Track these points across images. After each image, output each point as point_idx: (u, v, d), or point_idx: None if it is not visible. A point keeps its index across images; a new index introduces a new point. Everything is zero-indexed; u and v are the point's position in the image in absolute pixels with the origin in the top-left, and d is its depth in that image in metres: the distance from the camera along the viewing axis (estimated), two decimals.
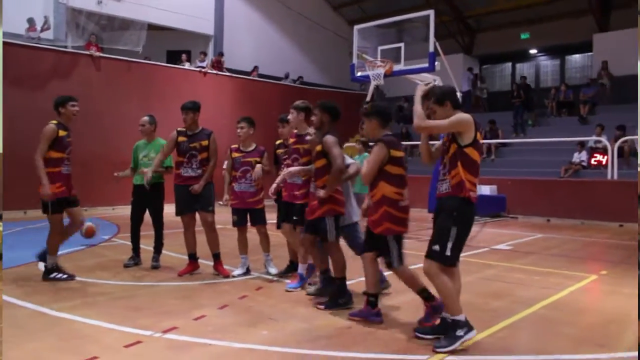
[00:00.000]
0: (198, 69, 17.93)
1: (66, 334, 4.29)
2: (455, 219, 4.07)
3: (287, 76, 20.77)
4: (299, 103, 6.00)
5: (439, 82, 12.34)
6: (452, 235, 4.05)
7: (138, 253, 7.24)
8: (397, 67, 11.25)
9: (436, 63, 10.86)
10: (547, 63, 22.14)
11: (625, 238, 10.79)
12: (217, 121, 13.46)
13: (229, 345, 4.03)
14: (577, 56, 21.00)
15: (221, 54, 19.07)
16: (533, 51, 21.98)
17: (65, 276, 6.16)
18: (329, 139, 5.14)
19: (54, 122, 6.09)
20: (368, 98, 12.41)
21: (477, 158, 4.10)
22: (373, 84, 11.44)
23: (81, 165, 14.43)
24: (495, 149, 17.87)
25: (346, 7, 24.13)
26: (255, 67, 20.58)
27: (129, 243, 7.30)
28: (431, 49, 10.81)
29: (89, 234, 9.00)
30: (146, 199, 7.01)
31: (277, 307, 5.17)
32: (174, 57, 19.09)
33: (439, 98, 4.22)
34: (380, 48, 11.58)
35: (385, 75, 11.14)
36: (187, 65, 18.04)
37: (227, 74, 18.76)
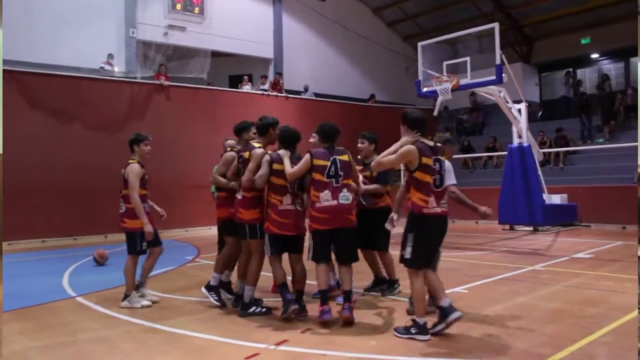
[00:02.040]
0: (260, 92, 18.45)
1: (187, 348, 4.59)
2: (410, 228, 4.77)
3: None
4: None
5: (504, 93, 12.38)
6: (410, 241, 4.72)
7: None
8: (463, 81, 11.32)
9: (503, 75, 10.89)
10: (610, 67, 21.67)
11: None
12: None
13: (343, 355, 4.22)
14: None
15: (279, 74, 19.56)
16: (595, 56, 21.57)
17: (264, 310, 5.64)
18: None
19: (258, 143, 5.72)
20: (435, 113, 12.55)
21: (426, 179, 4.69)
22: (440, 99, 11.55)
23: (154, 189, 15.09)
24: (564, 157, 17.57)
25: (401, 23, 24.35)
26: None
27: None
28: (497, 60, 10.85)
29: (101, 258, 9.60)
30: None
31: (376, 318, 5.35)
32: (236, 81, 19.71)
33: (405, 123, 4.87)
34: (445, 63, 11.68)
35: (452, 90, 11.23)
36: (246, 88, 18.60)
37: (290, 95, 19.24)
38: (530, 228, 13.64)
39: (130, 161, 6.19)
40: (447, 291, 6.42)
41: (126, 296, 6.11)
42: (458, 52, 12.88)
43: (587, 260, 8.81)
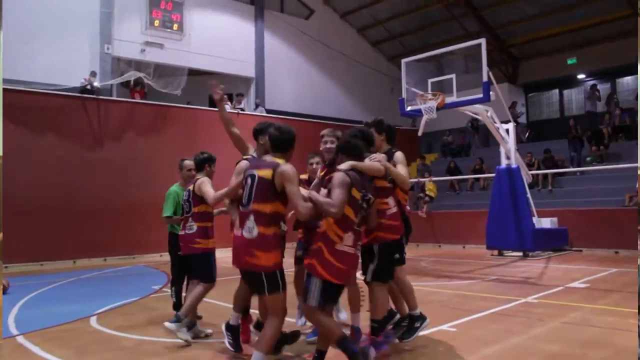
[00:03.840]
0: (236, 112, 17.86)
1: None
2: None
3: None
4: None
5: (491, 112, 11.90)
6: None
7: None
8: (449, 99, 10.81)
9: (491, 93, 10.39)
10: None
11: None
12: None
13: None
14: (628, 78, 20.16)
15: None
16: (581, 76, 21.25)
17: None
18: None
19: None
20: (420, 132, 12.01)
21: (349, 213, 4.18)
22: (425, 117, 11.01)
23: (129, 211, 14.48)
24: (552, 179, 17.10)
25: (385, 42, 23.98)
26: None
27: None
28: (485, 78, 10.36)
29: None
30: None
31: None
32: None
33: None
34: (430, 81, 11.19)
35: (438, 109, 10.71)
36: (227, 107, 17.97)
37: (271, 115, 18.66)
38: (520, 253, 13.07)
39: (198, 177, 5.97)
40: (433, 329, 5.81)
41: (177, 319, 5.44)
42: (443, 71, 12.43)
43: (583, 291, 8.19)
